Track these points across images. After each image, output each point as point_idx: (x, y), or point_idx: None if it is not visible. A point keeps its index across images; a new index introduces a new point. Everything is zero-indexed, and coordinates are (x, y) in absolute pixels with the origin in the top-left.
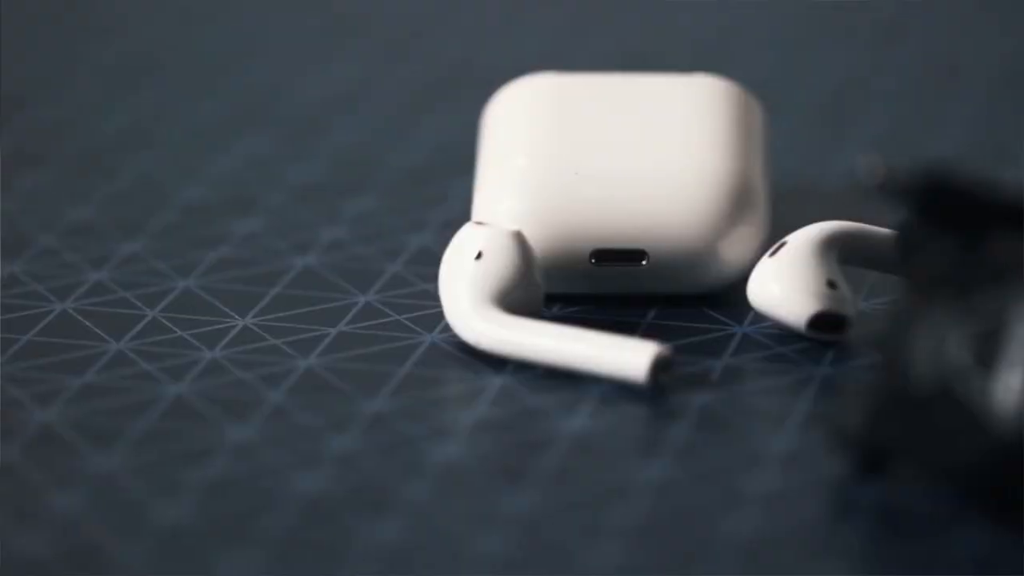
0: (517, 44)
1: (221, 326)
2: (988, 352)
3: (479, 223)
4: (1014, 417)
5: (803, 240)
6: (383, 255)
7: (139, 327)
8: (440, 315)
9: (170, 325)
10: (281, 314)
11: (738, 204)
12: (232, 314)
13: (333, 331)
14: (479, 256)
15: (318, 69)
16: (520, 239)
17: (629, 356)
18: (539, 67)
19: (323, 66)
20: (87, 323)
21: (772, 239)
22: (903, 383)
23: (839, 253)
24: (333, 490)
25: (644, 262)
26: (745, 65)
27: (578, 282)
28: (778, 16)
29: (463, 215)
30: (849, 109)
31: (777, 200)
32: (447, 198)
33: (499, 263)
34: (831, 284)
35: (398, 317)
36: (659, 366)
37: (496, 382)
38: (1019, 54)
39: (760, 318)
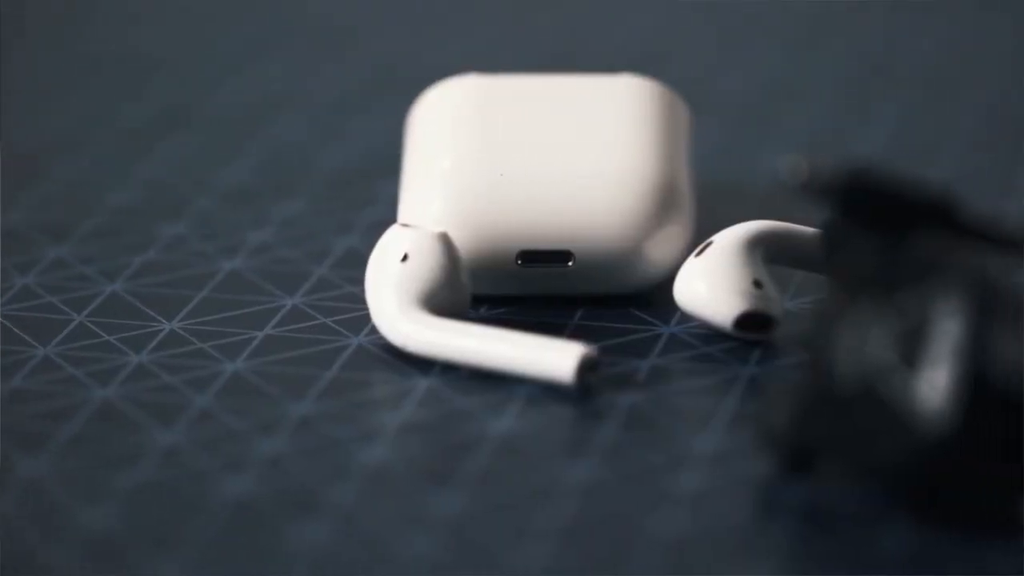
0: (443, 46)
1: (148, 330)
2: (912, 351)
3: (405, 225)
4: (938, 415)
5: (729, 240)
6: (310, 258)
7: (66, 332)
8: (367, 317)
9: (97, 330)
10: (208, 318)
11: (664, 204)
12: (159, 318)
13: (260, 334)
14: (405, 258)
15: (245, 72)
16: (446, 241)
17: (555, 357)
18: (465, 69)
19: (250, 69)
20: (14, 328)
21: (698, 239)
22: (828, 382)
23: (765, 252)
24: (260, 493)
25: (570, 263)
26: (671, 65)
27: (504, 283)
28: (703, 16)
29: (390, 217)
30: (774, 109)
31: (703, 200)
32: (374, 200)
33: (425, 265)
34: (757, 284)
35: (325, 320)
36: (585, 367)
37: (423, 384)
38: (942, 54)
39: (687, 318)
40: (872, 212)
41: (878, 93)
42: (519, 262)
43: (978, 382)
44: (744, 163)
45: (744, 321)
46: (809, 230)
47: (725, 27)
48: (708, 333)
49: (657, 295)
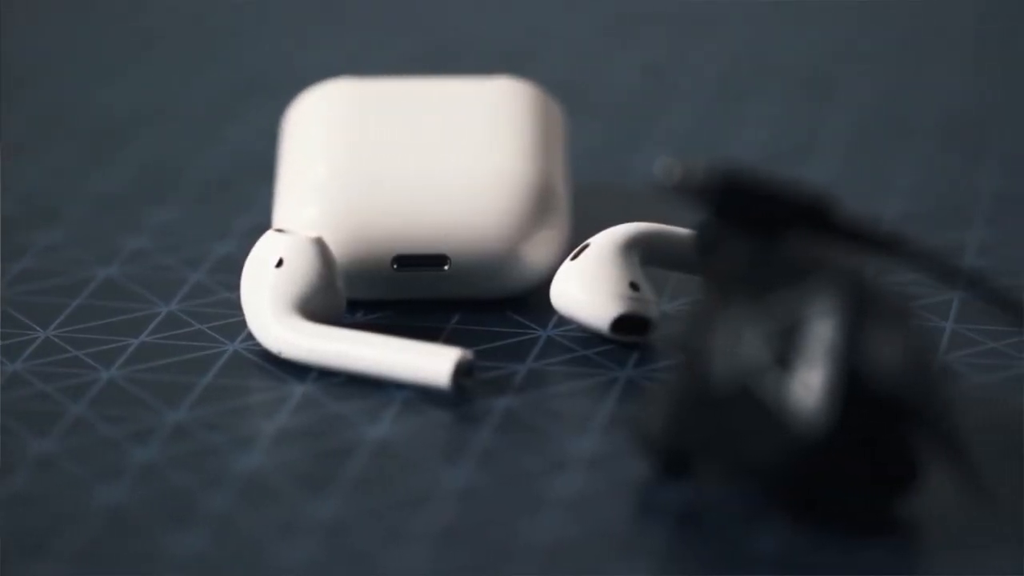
0: (316, 50)
1: (23, 338)
2: (786, 351)
3: (279, 230)
4: (812, 416)
5: (605, 242)
6: (185, 264)
7: None
8: (243, 324)
9: None
10: (83, 325)
11: (539, 207)
12: (34, 326)
13: (135, 341)
14: (280, 264)
15: (118, 80)
16: (320, 246)
17: (431, 361)
18: (338, 72)
19: (124, 76)
20: None
21: (575, 242)
22: (703, 384)
23: (641, 254)
24: (136, 501)
25: (446, 267)
26: (546, 67)
27: (381, 288)
28: (578, 17)
29: (265, 222)
30: (650, 110)
31: (579, 202)
32: (249, 206)
33: (300, 270)
34: (633, 286)
35: (200, 326)
36: (461, 371)
37: (299, 390)
38: (819, 53)
39: (564, 321)
40: (745, 213)
41: (756, 94)
42: (395, 266)
43: (852, 382)
44: (621, 164)
45: (621, 324)
46: (685, 231)
47: (601, 27)
48: (585, 336)
49: (534, 298)
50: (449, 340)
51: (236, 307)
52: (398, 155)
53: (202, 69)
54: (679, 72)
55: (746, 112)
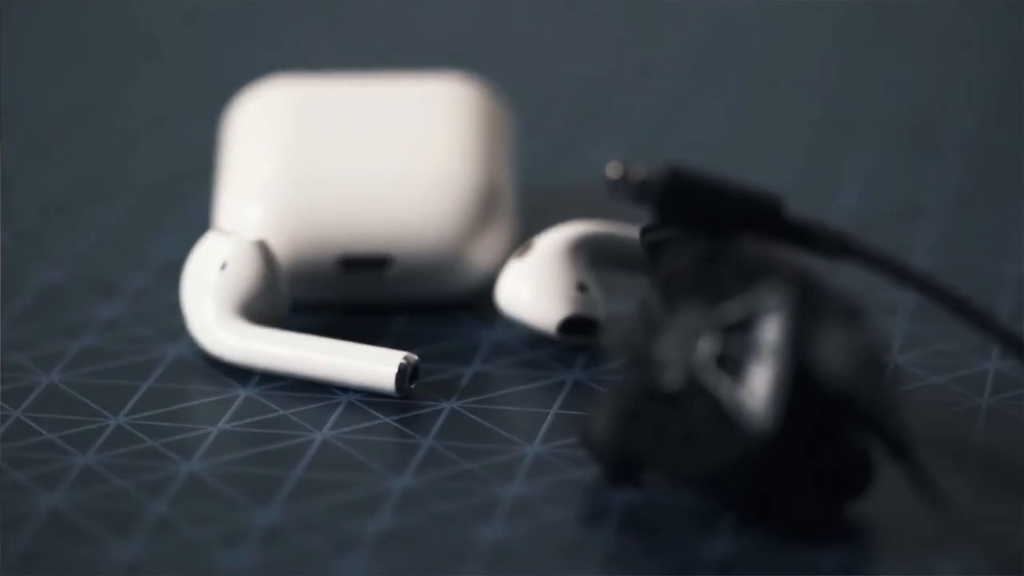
0: (258, 46)
1: None
2: (734, 352)
3: (222, 232)
4: (760, 417)
5: (552, 243)
6: (127, 266)
7: None
8: (185, 327)
9: None
10: (22, 329)
11: (484, 207)
12: None
13: (76, 345)
14: (223, 266)
15: (58, 81)
16: (264, 248)
17: (376, 364)
18: (279, 69)
19: (63, 78)
20: None
21: (522, 242)
22: (650, 387)
23: (589, 255)
24: (75, 507)
25: (391, 268)
26: (493, 63)
27: (326, 290)
28: (529, 12)
29: (206, 224)
30: (600, 109)
31: (527, 202)
32: (190, 207)
33: (243, 273)
34: (581, 287)
35: (142, 330)
36: (407, 374)
37: (242, 394)
38: (768, 52)
39: (511, 323)
40: (692, 213)
41: (707, 93)
42: (340, 268)
43: (801, 383)
44: (570, 163)
45: (568, 325)
46: (633, 232)
47: (551, 24)
48: (532, 338)
49: (481, 300)
50: (394, 343)
51: (178, 310)
52: (342, 155)
53: (146, 69)
54: (631, 70)
55: (697, 112)
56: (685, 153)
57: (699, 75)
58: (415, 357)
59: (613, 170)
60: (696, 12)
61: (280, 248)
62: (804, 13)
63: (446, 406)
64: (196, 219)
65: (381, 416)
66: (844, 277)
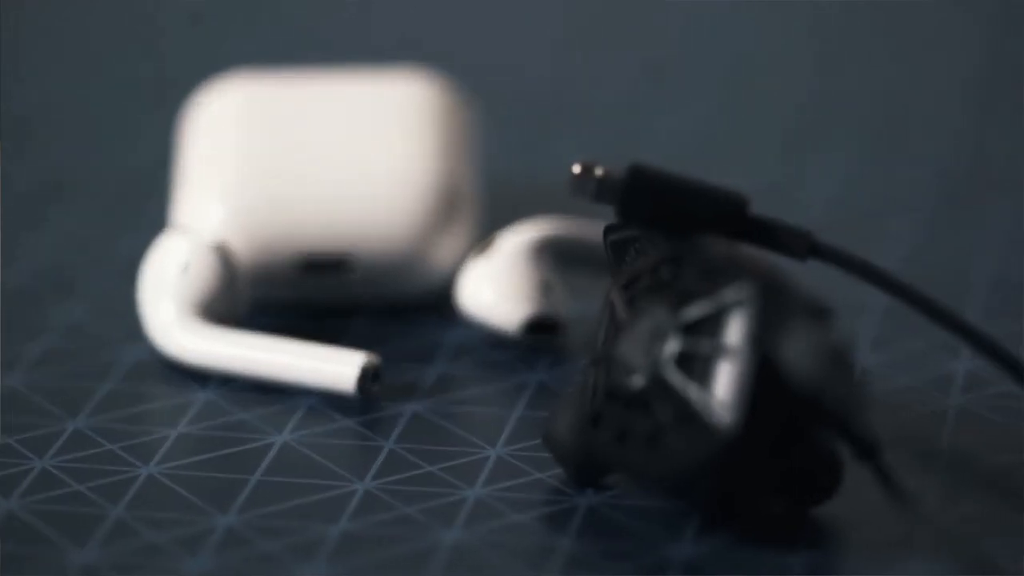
0: (214, 43)
1: None
2: (698, 351)
3: (180, 232)
4: (725, 420)
5: (515, 241)
6: (87, 267)
7: None
8: (143, 328)
9: None
10: None
11: (445, 206)
12: None
13: (35, 348)
14: (181, 267)
15: (13, 79)
16: (223, 248)
17: (337, 366)
18: (239, 64)
19: (16, 76)
20: None
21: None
22: (614, 388)
23: (552, 253)
24: (32, 512)
25: (352, 269)
26: (457, 59)
27: (286, 290)
28: (496, 6)
29: (165, 224)
30: (563, 106)
31: (492, 199)
32: (149, 207)
33: (202, 274)
34: (544, 286)
35: (101, 331)
36: (368, 376)
37: (201, 397)
38: (742, 50)
39: (473, 323)
40: (655, 212)
41: (674, 91)
42: (300, 269)
43: (766, 383)
44: (537, 160)
45: (531, 325)
46: (596, 230)
47: (519, 17)
48: (495, 339)
49: (444, 300)
50: (355, 344)
51: (136, 311)
52: (301, 154)
53: (102, 68)
54: (595, 68)
55: (667, 109)
56: (655, 151)
57: (672, 72)
58: (376, 358)
59: (576, 168)
60: (671, 7)
61: (241, 248)
62: (780, 10)
63: (408, 408)
64: (154, 219)
65: (342, 418)
66: (810, 277)
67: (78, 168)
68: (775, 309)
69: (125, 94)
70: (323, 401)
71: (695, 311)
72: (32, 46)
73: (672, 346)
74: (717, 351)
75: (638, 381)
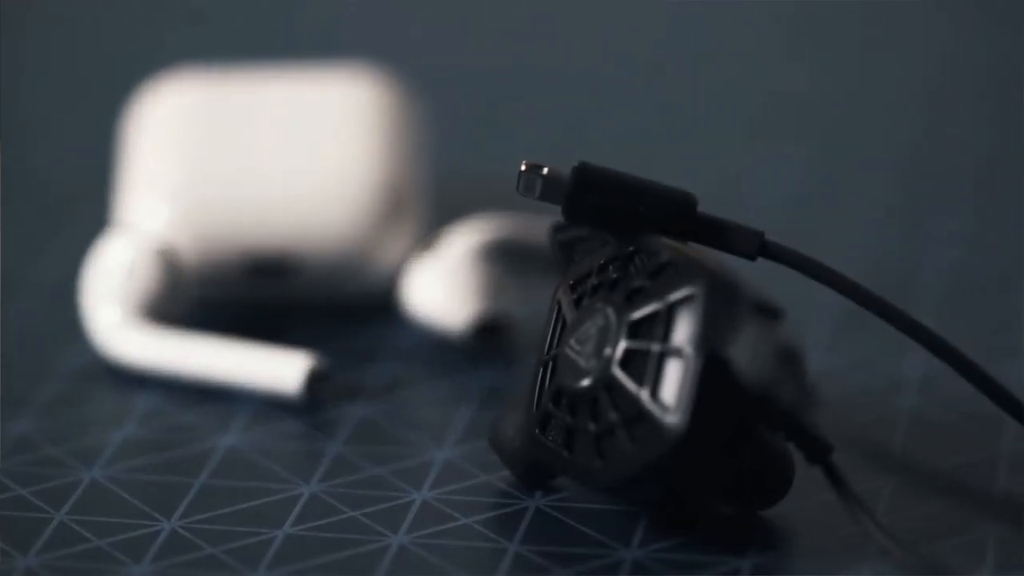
0: (157, 39)
1: None
2: (647, 354)
3: (123, 233)
4: (673, 420)
5: (462, 241)
6: (24, 268)
7: None
8: (85, 331)
9: None
10: None
11: (390, 205)
12: None
13: None
14: (123, 268)
15: None
16: (167, 249)
17: (282, 368)
18: (183, 61)
19: None
20: None
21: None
22: (562, 388)
23: (500, 253)
24: None
25: (297, 269)
26: (403, 53)
27: (231, 291)
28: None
29: (107, 225)
30: (512, 103)
31: (438, 198)
32: (90, 207)
33: (146, 275)
34: (491, 287)
35: (40, 335)
36: (314, 378)
37: (145, 399)
38: (692, 45)
39: (420, 325)
40: (602, 211)
41: (626, 90)
42: (245, 269)
43: (717, 382)
44: (486, 157)
45: (478, 327)
46: (543, 230)
47: (466, 12)
48: (442, 341)
49: (391, 301)
50: (302, 345)
51: (78, 313)
52: (247, 153)
53: (39, 65)
54: (544, 65)
55: (617, 107)
56: (607, 150)
57: (623, 69)
58: (323, 360)
59: (522, 167)
60: (627, 4)
61: (186, 249)
62: (735, 8)
63: (354, 410)
64: (96, 220)
65: (288, 421)
66: (760, 276)
67: (14, 167)
68: (724, 308)
69: (66, 92)
70: (269, 403)
71: (643, 310)
72: None
73: (620, 346)
74: (665, 351)
75: (586, 381)
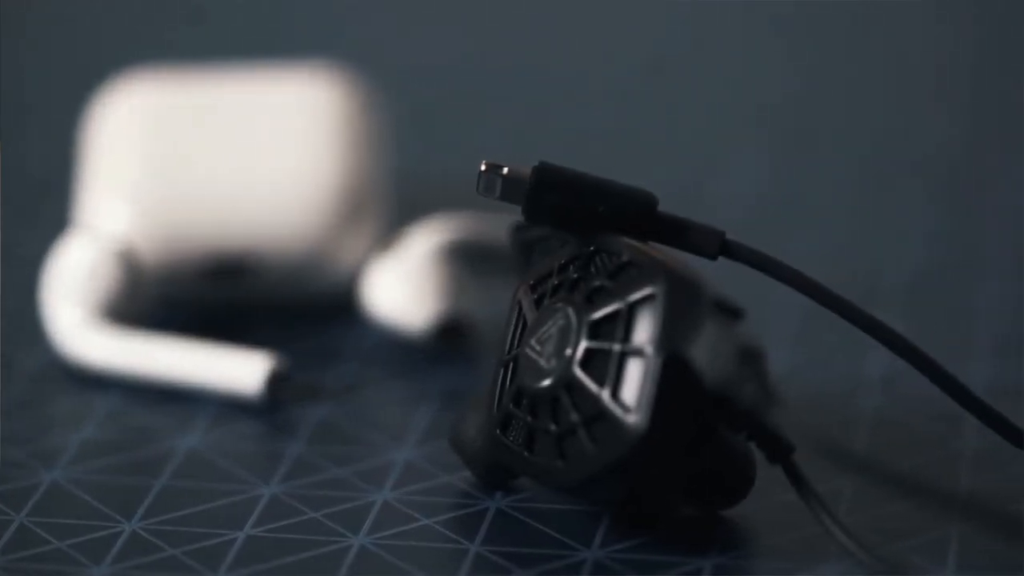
0: (119, 37)
1: None
2: (607, 354)
3: (83, 235)
4: (633, 419)
5: (422, 241)
6: None
7: None
8: (44, 333)
9: None
10: None
11: (350, 205)
12: None
13: None
14: (83, 269)
15: None
16: (127, 251)
17: (243, 369)
18: (144, 61)
19: None
20: None
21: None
22: (522, 388)
23: (461, 253)
24: None
25: (257, 269)
26: (364, 50)
27: (191, 291)
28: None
29: (68, 226)
30: (472, 102)
31: (400, 198)
32: (50, 207)
33: (106, 275)
34: (452, 287)
35: (1, 334)
36: (275, 379)
37: (105, 401)
38: (661, 43)
39: (381, 326)
40: (562, 211)
41: (589, 87)
42: (205, 269)
43: (677, 382)
44: (448, 157)
45: (439, 328)
46: (503, 230)
47: (424, 10)
48: (403, 341)
49: (351, 301)
50: (262, 345)
51: (37, 315)
52: (207, 153)
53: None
54: (506, 63)
55: (575, 107)
56: (568, 149)
57: (585, 66)
58: (283, 360)
59: (482, 166)
60: (593, 4)
61: (144, 252)
62: (700, 9)
63: (315, 411)
64: (57, 221)
65: (248, 422)
66: (722, 276)
67: None
68: (685, 308)
69: (24, 91)
70: (229, 404)
71: (603, 310)
72: None
73: (580, 346)
74: (626, 351)
75: (546, 382)
